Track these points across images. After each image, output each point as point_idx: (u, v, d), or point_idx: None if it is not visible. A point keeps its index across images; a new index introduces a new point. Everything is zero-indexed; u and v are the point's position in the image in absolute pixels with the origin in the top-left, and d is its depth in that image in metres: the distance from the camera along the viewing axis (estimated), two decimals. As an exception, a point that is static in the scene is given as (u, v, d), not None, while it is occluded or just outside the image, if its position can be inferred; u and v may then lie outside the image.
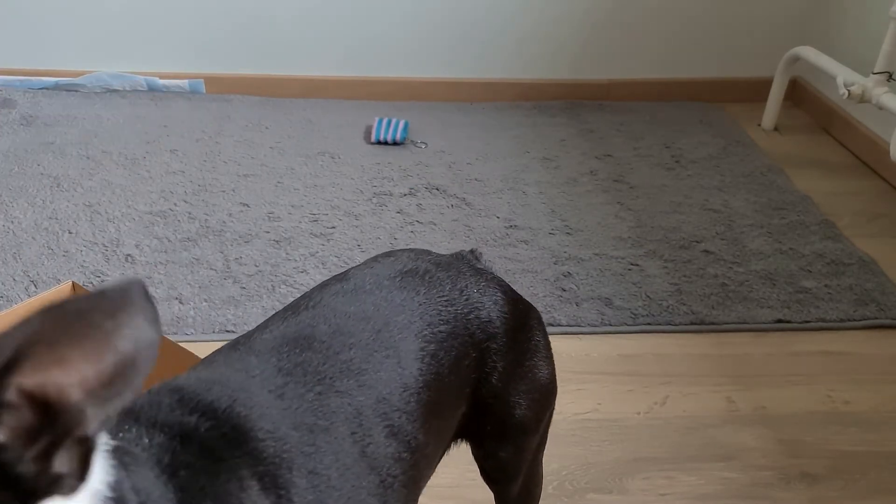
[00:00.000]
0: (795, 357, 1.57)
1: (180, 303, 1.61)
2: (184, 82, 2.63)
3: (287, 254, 1.79)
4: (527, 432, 0.91)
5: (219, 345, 1.54)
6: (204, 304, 1.61)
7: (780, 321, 1.66)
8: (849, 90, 2.18)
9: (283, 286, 1.67)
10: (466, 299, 0.83)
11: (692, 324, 1.64)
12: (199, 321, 1.56)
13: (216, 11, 2.55)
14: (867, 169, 2.37)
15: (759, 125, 2.62)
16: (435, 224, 1.94)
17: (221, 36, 2.59)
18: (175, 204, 1.98)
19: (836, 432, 1.39)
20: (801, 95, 2.76)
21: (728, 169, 2.30)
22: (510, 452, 0.91)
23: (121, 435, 0.60)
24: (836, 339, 1.63)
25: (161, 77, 2.62)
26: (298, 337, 0.75)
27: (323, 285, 0.84)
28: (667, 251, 1.88)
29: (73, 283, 1.35)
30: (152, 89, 2.63)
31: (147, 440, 0.60)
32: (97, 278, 1.67)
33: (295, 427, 0.67)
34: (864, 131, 2.42)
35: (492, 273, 0.91)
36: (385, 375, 0.75)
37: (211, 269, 1.73)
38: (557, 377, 1.29)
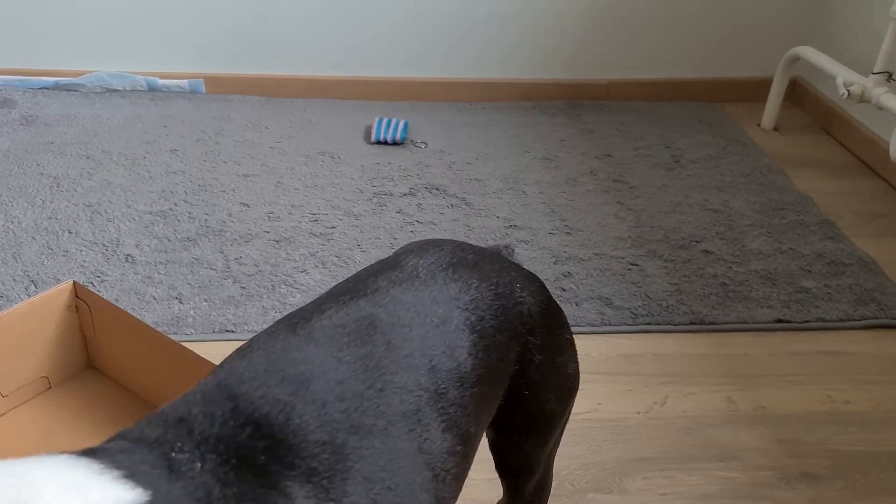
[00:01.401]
0: (795, 357, 1.57)
1: (180, 302, 1.61)
2: (184, 82, 2.63)
3: (287, 253, 1.79)
4: (552, 426, 0.92)
5: (219, 345, 1.55)
6: (204, 303, 1.61)
7: (780, 321, 1.66)
8: (848, 90, 2.18)
9: (283, 286, 1.68)
10: (511, 292, 0.83)
11: (692, 324, 1.64)
12: (199, 321, 1.56)
13: (216, 11, 2.55)
14: (867, 169, 2.37)
15: (759, 125, 2.62)
16: (435, 224, 1.94)
17: (221, 36, 2.59)
18: (175, 204, 1.98)
19: (837, 432, 1.39)
20: (800, 95, 2.77)
21: (728, 169, 2.30)
22: (534, 445, 0.92)
23: (174, 454, 0.57)
24: (836, 338, 1.63)
25: (161, 77, 2.62)
26: (359, 327, 0.73)
27: (376, 271, 0.82)
28: (667, 251, 1.88)
29: (73, 282, 1.35)
30: (152, 89, 2.63)
31: (199, 464, 0.57)
32: (97, 278, 1.67)
33: (354, 430, 0.66)
34: (864, 131, 2.42)
35: (526, 269, 0.91)
36: (443, 370, 0.74)
37: (211, 268, 1.73)
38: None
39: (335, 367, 0.69)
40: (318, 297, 0.80)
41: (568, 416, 0.96)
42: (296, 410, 0.64)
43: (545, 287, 0.90)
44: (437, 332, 0.75)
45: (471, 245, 0.89)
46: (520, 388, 0.85)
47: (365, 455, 0.65)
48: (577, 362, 0.93)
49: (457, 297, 0.79)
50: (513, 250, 0.96)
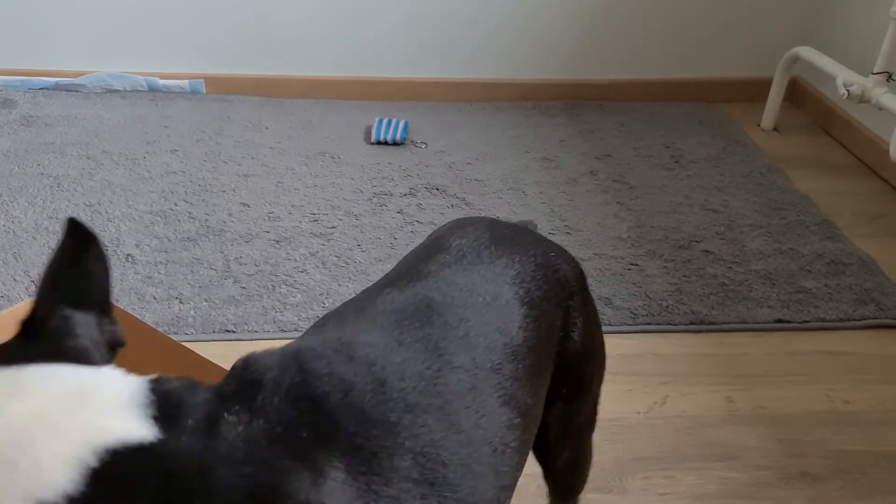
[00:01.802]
0: (795, 357, 1.57)
1: (180, 302, 1.61)
2: (184, 82, 2.64)
3: (287, 253, 1.79)
4: (590, 392, 0.95)
5: (219, 344, 1.55)
6: (204, 303, 1.61)
7: (779, 321, 1.66)
8: (848, 90, 2.18)
9: (283, 286, 1.68)
10: (548, 261, 0.86)
11: (692, 323, 1.64)
12: (200, 321, 1.56)
13: (216, 12, 2.55)
14: (867, 169, 2.37)
15: (759, 125, 2.62)
16: (435, 224, 1.94)
17: (222, 36, 2.59)
18: (175, 204, 1.98)
19: (836, 432, 1.39)
20: (800, 96, 2.77)
21: (728, 169, 2.30)
22: (571, 414, 0.94)
23: (225, 414, 0.59)
24: (836, 338, 1.63)
25: (161, 77, 2.62)
26: (417, 310, 0.76)
27: (426, 255, 0.85)
28: (666, 251, 1.88)
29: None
30: (153, 89, 2.63)
31: (241, 428, 0.58)
32: (97, 278, 1.67)
33: (409, 409, 0.67)
34: (864, 131, 2.42)
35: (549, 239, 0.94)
36: (497, 346, 0.76)
37: (211, 268, 1.73)
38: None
39: (396, 350, 0.71)
40: (377, 281, 0.84)
41: (599, 390, 0.99)
42: (355, 390, 0.65)
43: (573, 257, 0.93)
44: (489, 309, 0.78)
45: (502, 220, 0.92)
46: (568, 352, 0.87)
47: (418, 433, 0.66)
48: (602, 334, 0.97)
49: (503, 272, 0.82)
50: (536, 225, 0.99)
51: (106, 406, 0.55)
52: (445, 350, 0.73)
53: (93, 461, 0.51)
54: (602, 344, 0.97)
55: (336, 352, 0.69)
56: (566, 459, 1.00)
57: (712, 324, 1.64)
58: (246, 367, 0.65)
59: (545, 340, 0.82)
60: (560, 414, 0.93)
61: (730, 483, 1.27)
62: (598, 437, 1.34)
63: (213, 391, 0.62)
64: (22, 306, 1.31)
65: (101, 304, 0.67)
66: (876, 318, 1.68)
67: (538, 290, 0.82)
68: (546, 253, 0.87)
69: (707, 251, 1.88)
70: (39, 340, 0.63)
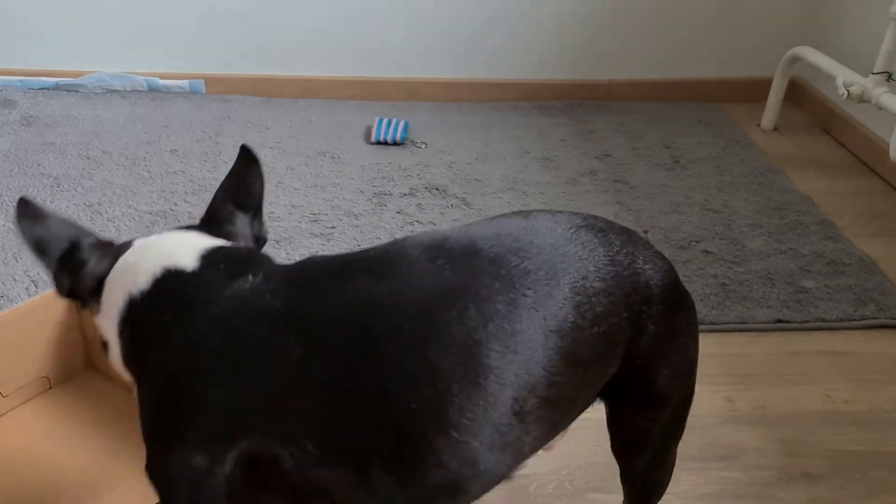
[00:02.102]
0: (795, 357, 1.57)
1: (180, 303, 1.61)
2: (184, 82, 2.64)
3: (287, 253, 1.79)
4: (664, 405, 0.92)
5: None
6: (204, 303, 1.61)
7: (779, 321, 1.66)
8: (848, 90, 2.18)
9: (283, 286, 1.68)
10: (630, 262, 0.84)
11: (692, 324, 1.64)
12: (200, 321, 1.56)
13: (216, 12, 2.55)
14: (867, 169, 2.37)
15: (759, 125, 2.62)
16: (435, 224, 1.94)
17: (221, 36, 2.59)
18: (175, 204, 1.98)
19: (836, 432, 1.39)
20: (800, 95, 2.77)
21: (728, 169, 2.30)
22: (644, 422, 0.93)
23: (250, 276, 0.79)
24: (836, 338, 1.63)
25: (161, 77, 2.63)
26: (486, 262, 0.77)
27: (506, 215, 0.88)
28: (666, 251, 1.88)
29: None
30: (152, 89, 2.63)
31: (248, 287, 0.78)
32: (97, 278, 1.67)
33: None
34: (864, 131, 2.42)
35: (657, 250, 0.92)
36: (528, 317, 0.75)
37: (211, 269, 1.73)
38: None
39: (475, 293, 0.74)
40: (465, 224, 0.87)
41: (685, 405, 0.97)
42: (401, 302, 0.74)
43: (674, 270, 0.91)
44: (538, 279, 0.77)
45: (608, 220, 0.90)
46: (632, 357, 0.85)
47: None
48: (696, 351, 0.95)
49: (570, 254, 0.80)
50: (648, 237, 0.98)
51: (188, 251, 0.83)
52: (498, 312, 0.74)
53: (158, 273, 0.81)
54: (690, 363, 0.94)
55: (396, 297, 0.75)
56: (641, 466, 0.99)
57: (712, 324, 1.64)
58: (299, 265, 0.83)
59: (588, 330, 0.79)
60: (633, 419, 0.93)
61: (730, 483, 1.27)
62: (598, 437, 1.34)
63: (261, 265, 0.82)
64: (23, 306, 1.31)
65: (254, 208, 0.93)
66: (876, 318, 1.68)
67: (599, 283, 0.80)
68: (632, 254, 0.85)
69: (707, 251, 1.88)
70: (208, 222, 0.92)
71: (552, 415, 0.79)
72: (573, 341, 0.78)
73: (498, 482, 0.80)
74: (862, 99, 2.17)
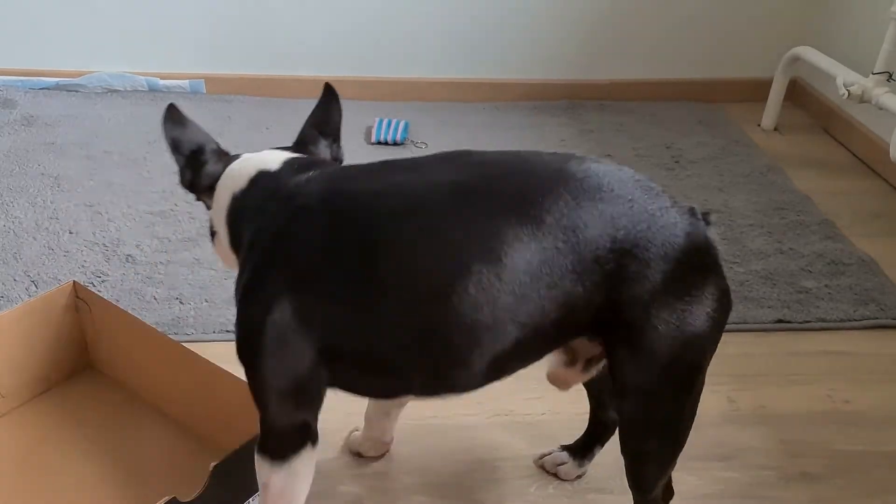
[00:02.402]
0: (795, 357, 1.57)
1: (181, 303, 1.61)
2: (184, 83, 2.64)
3: (287, 254, 1.79)
4: (655, 359, 0.90)
5: (219, 345, 1.56)
6: (204, 304, 1.61)
7: (780, 321, 1.66)
8: (848, 90, 2.18)
9: (283, 286, 1.68)
10: (641, 210, 0.88)
11: (692, 324, 1.64)
12: (200, 321, 1.56)
13: (217, 12, 2.55)
14: (867, 169, 2.37)
15: (759, 125, 2.62)
16: (435, 224, 1.94)
17: (222, 36, 2.59)
18: (176, 204, 1.98)
19: (837, 432, 1.39)
20: (800, 96, 2.77)
21: (728, 169, 2.30)
22: (632, 370, 0.92)
23: (309, 172, 1.00)
24: (836, 338, 1.63)
25: (162, 77, 2.63)
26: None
27: (556, 154, 0.97)
28: (667, 251, 1.88)
29: (74, 282, 1.35)
30: (153, 89, 2.63)
31: (304, 179, 0.99)
32: (98, 278, 1.67)
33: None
34: (864, 131, 2.42)
35: (703, 227, 0.91)
36: (496, 234, 0.86)
37: (211, 269, 1.73)
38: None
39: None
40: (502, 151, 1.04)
41: (688, 380, 0.94)
42: (421, 186, 0.92)
43: (711, 249, 0.91)
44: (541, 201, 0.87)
45: (642, 179, 0.93)
46: (624, 299, 0.88)
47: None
48: (714, 319, 0.90)
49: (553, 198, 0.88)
50: (710, 220, 0.94)
51: (276, 159, 1.05)
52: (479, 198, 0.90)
53: (253, 174, 1.03)
54: (693, 332, 0.89)
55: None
56: (628, 418, 0.98)
57: (712, 324, 1.64)
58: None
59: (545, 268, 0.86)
60: (622, 364, 0.92)
61: (730, 483, 1.27)
62: (598, 437, 1.34)
63: (322, 166, 1.04)
64: (22, 306, 1.31)
65: (333, 135, 1.15)
66: (876, 317, 1.68)
67: (558, 218, 0.86)
68: (652, 204, 0.89)
69: (707, 251, 1.88)
70: (297, 144, 1.13)
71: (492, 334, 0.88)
72: (548, 261, 0.86)
73: (482, 380, 0.93)
74: (862, 99, 2.17)
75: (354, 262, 0.88)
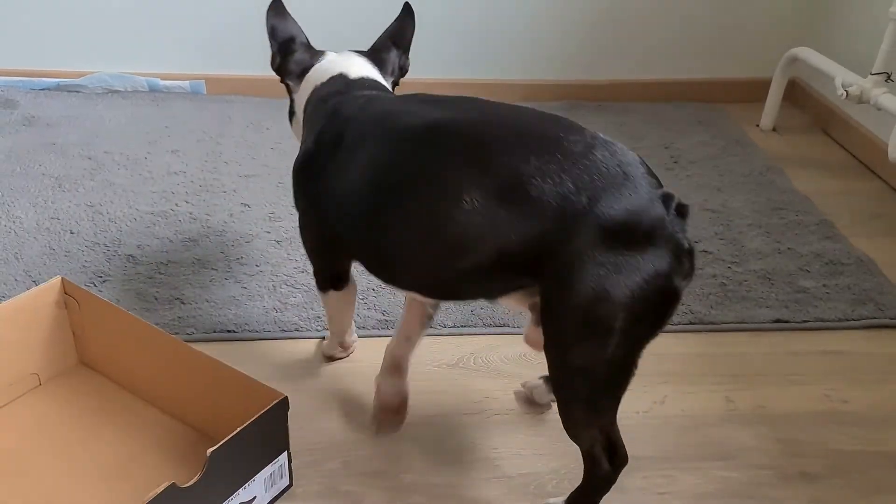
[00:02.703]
0: (794, 356, 1.58)
1: (182, 303, 1.62)
2: (185, 83, 2.64)
3: (288, 254, 1.80)
4: (567, 316, 0.96)
5: (220, 344, 1.56)
6: (205, 304, 1.62)
7: (778, 321, 1.66)
8: (847, 91, 2.19)
9: (284, 286, 1.68)
10: (608, 177, 0.94)
11: (691, 323, 1.65)
12: (201, 321, 1.57)
13: (217, 13, 2.56)
14: (866, 169, 2.37)
15: (758, 126, 2.63)
16: (435, 224, 1.95)
17: (222, 37, 2.60)
18: (176, 204, 1.99)
19: (835, 431, 1.39)
20: (799, 96, 2.77)
21: (727, 169, 2.31)
22: (550, 317, 0.99)
23: (364, 92, 1.28)
24: (835, 338, 1.63)
25: (162, 78, 2.63)
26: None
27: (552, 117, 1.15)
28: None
29: (62, 279, 1.35)
30: (153, 90, 2.64)
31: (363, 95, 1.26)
32: (98, 278, 1.68)
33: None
34: (863, 132, 2.43)
35: (661, 208, 0.94)
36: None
37: (212, 269, 1.73)
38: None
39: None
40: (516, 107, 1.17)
41: (603, 333, 0.95)
42: (434, 119, 1.07)
43: (664, 222, 0.94)
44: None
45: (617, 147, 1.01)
46: (555, 251, 0.94)
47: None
48: (634, 291, 0.92)
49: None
50: (684, 209, 0.97)
51: (354, 69, 1.34)
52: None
53: (334, 75, 1.32)
54: (597, 296, 0.92)
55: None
56: (548, 365, 1.04)
57: (711, 323, 1.65)
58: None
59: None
60: (544, 314, 0.99)
61: (729, 482, 1.28)
62: (597, 437, 1.35)
63: (376, 89, 1.30)
64: (10, 303, 1.31)
65: (404, 46, 1.43)
66: (875, 317, 1.69)
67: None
68: (587, 156, 0.95)
69: (706, 251, 1.89)
70: (372, 50, 1.40)
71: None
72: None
73: (450, 290, 1.09)
74: (861, 99, 2.17)
75: (358, 166, 1.10)
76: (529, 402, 1.37)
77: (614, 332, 0.95)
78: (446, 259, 1.01)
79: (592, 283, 0.92)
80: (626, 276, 0.92)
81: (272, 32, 1.37)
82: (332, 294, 1.35)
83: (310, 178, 1.23)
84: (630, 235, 0.92)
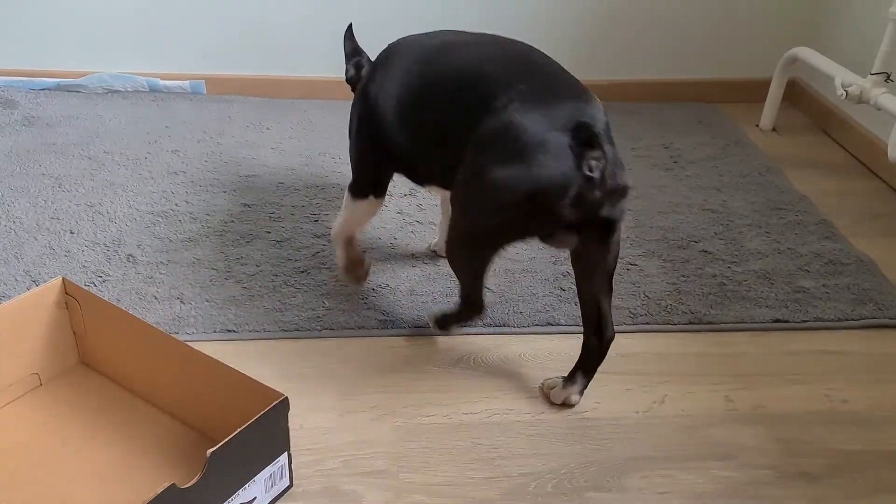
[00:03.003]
0: (793, 356, 1.58)
1: (182, 303, 1.62)
2: (185, 83, 2.64)
3: (288, 254, 1.80)
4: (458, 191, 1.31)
5: (220, 344, 1.56)
6: (205, 303, 1.62)
7: (778, 321, 1.67)
8: (847, 91, 2.19)
9: (284, 286, 1.68)
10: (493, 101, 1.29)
11: (690, 323, 1.65)
12: (201, 321, 1.57)
13: (217, 13, 2.56)
14: (865, 169, 2.38)
15: (758, 126, 2.63)
16: (435, 224, 1.95)
17: (222, 37, 2.60)
18: (176, 204, 1.99)
19: (835, 431, 1.39)
20: (799, 96, 2.77)
21: (726, 169, 2.31)
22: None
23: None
24: (834, 338, 1.63)
25: (162, 78, 2.63)
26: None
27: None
28: (665, 251, 1.89)
29: (63, 279, 1.35)
30: (153, 90, 2.64)
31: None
32: (98, 278, 1.68)
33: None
34: (862, 132, 2.43)
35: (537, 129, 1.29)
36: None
37: (212, 269, 1.73)
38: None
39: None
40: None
41: (456, 212, 1.33)
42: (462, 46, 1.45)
43: (512, 129, 1.27)
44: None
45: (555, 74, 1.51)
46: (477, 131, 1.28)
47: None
48: (467, 185, 1.30)
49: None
50: (596, 132, 1.33)
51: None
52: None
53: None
54: (477, 174, 1.24)
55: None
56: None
57: (711, 323, 1.65)
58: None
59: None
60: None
61: (728, 482, 1.28)
62: (596, 436, 1.35)
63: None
64: (11, 303, 1.31)
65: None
66: (874, 317, 1.69)
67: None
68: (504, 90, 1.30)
69: (705, 251, 1.89)
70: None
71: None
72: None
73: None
74: (860, 99, 2.17)
75: (394, 87, 1.41)
76: (548, 397, 1.44)
77: (463, 213, 1.31)
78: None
79: (470, 172, 1.28)
80: (472, 178, 1.26)
81: (347, 51, 1.69)
82: (361, 203, 1.56)
83: (366, 95, 1.49)
84: (492, 142, 1.25)
